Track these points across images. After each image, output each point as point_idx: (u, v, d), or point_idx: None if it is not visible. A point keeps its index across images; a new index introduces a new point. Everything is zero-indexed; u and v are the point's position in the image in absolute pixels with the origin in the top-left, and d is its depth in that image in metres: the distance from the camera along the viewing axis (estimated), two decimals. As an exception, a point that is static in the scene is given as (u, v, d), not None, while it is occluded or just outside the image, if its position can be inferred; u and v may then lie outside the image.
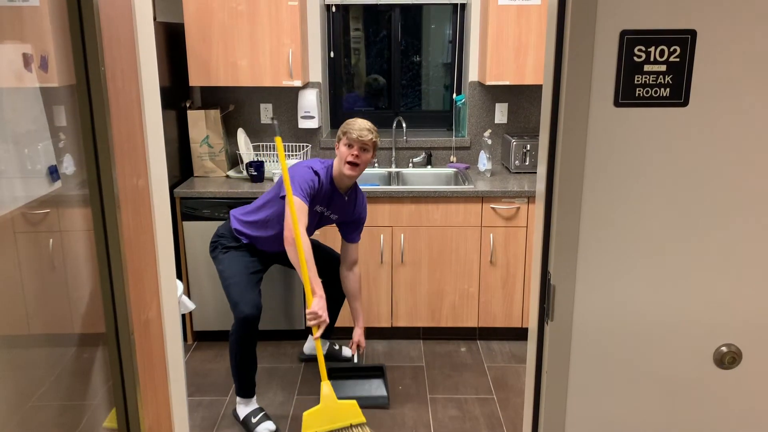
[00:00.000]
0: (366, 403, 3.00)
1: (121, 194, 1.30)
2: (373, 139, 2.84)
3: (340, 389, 3.06)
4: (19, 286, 1.15)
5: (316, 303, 2.68)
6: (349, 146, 2.82)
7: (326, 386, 2.65)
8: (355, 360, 3.12)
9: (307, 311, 2.68)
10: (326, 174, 2.90)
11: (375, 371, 3.25)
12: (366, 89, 4.41)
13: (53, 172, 1.10)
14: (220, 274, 2.96)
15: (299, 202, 2.71)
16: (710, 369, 1.50)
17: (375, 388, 3.12)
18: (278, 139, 2.62)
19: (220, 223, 3.53)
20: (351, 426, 2.63)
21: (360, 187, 3.38)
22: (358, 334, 3.12)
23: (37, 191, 1.07)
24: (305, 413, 2.59)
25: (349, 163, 2.82)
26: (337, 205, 2.98)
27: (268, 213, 2.93)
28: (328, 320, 2.71)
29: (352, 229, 3.10)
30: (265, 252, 3.05)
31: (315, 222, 3.00)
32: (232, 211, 3.09)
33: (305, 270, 2.67)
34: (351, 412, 2.66)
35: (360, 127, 2.82)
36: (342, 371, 3.19)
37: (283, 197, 2.78)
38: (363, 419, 2.66)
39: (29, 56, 1.05)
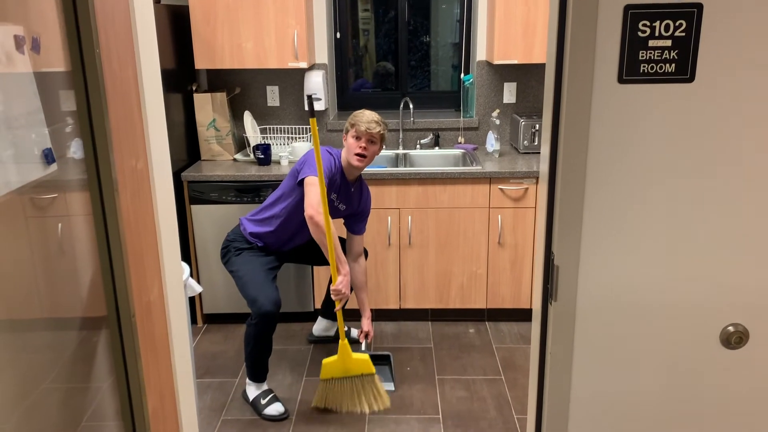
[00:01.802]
0: None
1: (119, 177, 1.29)
2: (381, 132, 2.87)
3: None
4: (25, 270, 1.15)
5: (341, 281, 2.82)
6: (357, 138, 2.86)
7: (343, 343, 2.86)
8: (363, 348, 3.14)
9: (332, 287, 2.83)
10: (337, 161, 2.92)
11: (382, 359, 3.27)
12: (374, 77, 4.38)
13: (48, 156, 1.10)
14: (234, 275, 2.96)
15: (316, 182, 2.74)
16: (717, 349, 1.48)
17: (381, 377, 3.14)
18: (313, 121, 2.60)
19: (227, 206, 3.54)
20: (362, 375, 2.88)
21: (368, 168, 3.37)
22: (366, 324, 3.15)
23: (30, 175, 1.07)
24: (324, 360, 2.86)
25: (357, 155, 2.85)
26: (347, 195, 3.00)
27: (285, 204, 2.92)
28: (349, 295, 2.86)
29: (357, 220, 3.12)
30: (280, 251, 3.06)
31: (329, 210, 2.99)
32: (242, 217, 3.10)
33: (331, 248, 2.73)
34: (363, 365, 2.88)
35: (368, 119, 2.85)
36: None
37: (302, 182, 2.79)
38: (373, 371, 2.88)
39: (21, 38, 1.04)
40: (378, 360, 3.26)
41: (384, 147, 4.03)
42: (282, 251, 3.07)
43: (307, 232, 2.96)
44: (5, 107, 1.00)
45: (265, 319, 2.80)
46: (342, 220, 3.19)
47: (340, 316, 2.90)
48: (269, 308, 2.79)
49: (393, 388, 3.10)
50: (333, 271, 2.80)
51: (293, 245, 3.07)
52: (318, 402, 2.91)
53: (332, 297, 2.85)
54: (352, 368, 2.86)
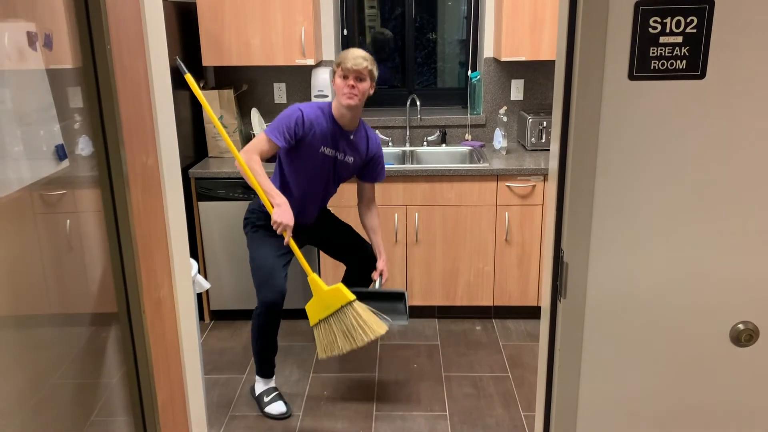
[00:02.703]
0: (385, 323, 2.95)
1: (130, 173, 1.30)
2: (369, 67, 2.73)
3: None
4: (36, 266, 1.16)
5: (275, 213, 2.69)
6: (345, 77, 2.73)
7: (312, 279, 2.73)
8: (377, 286, 3.05)
9: (272, 222, 2.69)
10: (322, 112, 2.80)
11: (395, 297, 3.09)
12: (373, 43, 4.29)
13: (60, 152, 1.10)
14: (249, 253, 2.92)
15: (260, 134, 2.72)
16: (726, 347, 1.48)
17: (395, 309, 3.03)
18: (189, 77, 2.48)
19: (235, 203, 3.54)
20: (342, 308, 2.69)
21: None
22: (381, 263, 3.04)
23: (43, 171, 1.08)
24: (306, 306, 2.72)
25: (346, 93, 2.73)
26: (348, 145, 2.87)
27: (277, 172, 2.88)
28: (291, 223, 2.70)
29: (372, 169, 3.01)
30: (294, 228, 2.90)
31: (329, 168, 2.87)
32: None
33: (254, 181, 2.67)
34: (339, 295, 2.69)
35: (354, 55, 2.72)
36: (363, 294, 3.04)
37: (282, 150, 2.77)
38: (352, 297, 2.70)
39: (33, 34, 1.04)
40: (392, 298, 3.10)
41: (390, 140, 4.06)
42: (296, 227, 2.92)
43: (310, 200, 2.88)
44: (18, 104, 1.01)
45: (267, 308, 2.79)
46: (356, 182, 3.07)
47: (294, 247, 2.74)
48: (272, 297, 2.77)
49: (406, 323, 3.00)
50: (267, 205, 2.70)
51: (304, 220, 2.96)
52: (321, 353, 2.73)
53: (276, 230, 2.71)
54: (331, 303, 2.69)
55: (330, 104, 2.85)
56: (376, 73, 2.80)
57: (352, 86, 2.71)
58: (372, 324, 2.69)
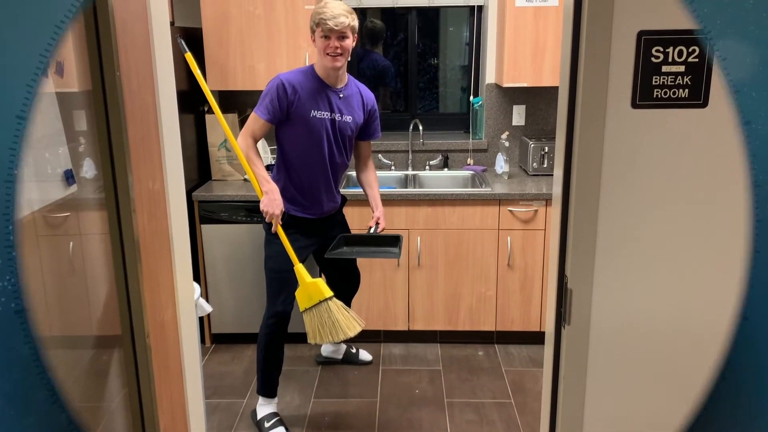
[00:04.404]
0: (378, 257, 3.05)
1: (136, 198, 1.31)
2: (350, 23, 2.59)
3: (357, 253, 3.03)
4: (41, 289, 1.16)
5: (263, 201, 2.68)
6: (326, 38, 2.59)
7: (297, 268, 2.73)
8: (372, 231, 2.98)
9: (260, 209, 2.70)
10: (305, 75, 2.70)
11: (392, 240, 2.98)
12: (365, 33, 4.24)
13: (69, 177, 1.11)
14: (265, 257, 2.88)
15: (251, 115, 2.71)
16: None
17: (389, 252, 2.96)
18: (189, 56, 2.46)
19: (238, 226, 3.55)
20: (320, 302, 2.69)
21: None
22: (378, 213, 2.96)
23: (52, 195, 1.08)
24: (296, 293, 2.74)
25: (330, 55, 2.61)
26: (340, 104, 2.75)
27: (278, 155, 2.82)
28: (278, 212, 2.69)
29: (366, 126, 2.92)
30: (306, 225, 2.87)
31: (328, 132, 2.75)
32: None
33: (248, 170, 2.66)
34: (318, 290, 2.69)
35: (333, 13, 2.55)
36: (360, 238, 3.05)
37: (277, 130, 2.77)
38: (329, 294, 2.70)
39: (45, 62, 1.06)
40: (388, 241, 2.99)
41: (393, 164, 4.07)
42: (309, 225, 2.88)
43: (318, 177, 2.81)
44: (30, 129, 1.02)
45: (280, 318, 2.82)
46: (358, 143, 2.99)
47: (281, 233, 2.70)
48: (283, 308, 2.82)
49: (399, 257, 2.96)
50: (258, 192, 2.68)
51: (318, 209, 2.87)
52: (310, 338, 2.73)
53: (267, 219, 2.70)
54: (313, 295, 2.69)
55: (312, 66, 2.73)
56: (357, 23, 2.65)
57: (336, 47, 2.59)
58: (342, 325, 2.69)
